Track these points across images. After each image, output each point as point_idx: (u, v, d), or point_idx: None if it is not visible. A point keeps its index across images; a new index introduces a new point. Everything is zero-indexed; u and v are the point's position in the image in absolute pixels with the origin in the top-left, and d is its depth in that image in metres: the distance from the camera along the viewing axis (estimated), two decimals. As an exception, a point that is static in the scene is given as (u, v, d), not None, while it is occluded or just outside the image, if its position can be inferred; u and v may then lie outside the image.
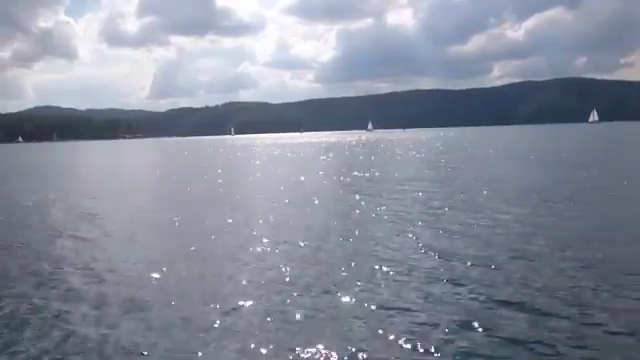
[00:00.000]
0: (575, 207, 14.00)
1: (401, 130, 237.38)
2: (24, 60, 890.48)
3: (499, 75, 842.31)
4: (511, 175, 23.97)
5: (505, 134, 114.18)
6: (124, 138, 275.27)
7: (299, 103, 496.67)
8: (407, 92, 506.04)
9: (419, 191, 18.39)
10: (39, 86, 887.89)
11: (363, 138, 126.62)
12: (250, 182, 26.69)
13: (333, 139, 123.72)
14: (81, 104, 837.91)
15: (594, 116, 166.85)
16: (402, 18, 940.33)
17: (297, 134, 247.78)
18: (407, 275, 8.15)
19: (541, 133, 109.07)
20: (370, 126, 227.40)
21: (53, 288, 8.22)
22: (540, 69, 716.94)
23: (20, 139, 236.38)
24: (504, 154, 42.58)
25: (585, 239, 10.21)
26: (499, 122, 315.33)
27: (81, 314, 7.02)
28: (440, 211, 14.06)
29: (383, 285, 7.74)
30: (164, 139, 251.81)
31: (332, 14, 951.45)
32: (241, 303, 7.17)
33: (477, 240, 10.38)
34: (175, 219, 14.15)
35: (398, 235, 11.18)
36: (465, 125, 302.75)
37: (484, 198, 16.26)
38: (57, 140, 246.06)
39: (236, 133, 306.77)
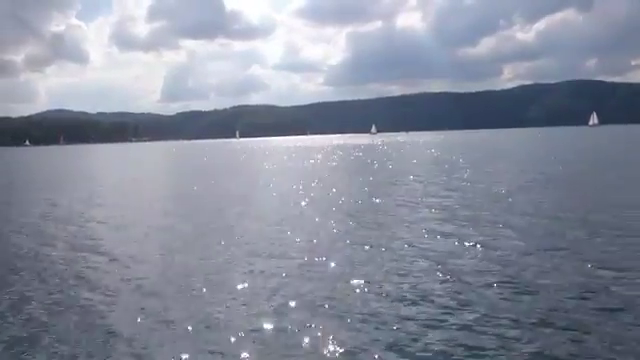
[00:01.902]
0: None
1: (404, 133, 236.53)
2: (36, 64, 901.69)
3: (509, 77, 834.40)
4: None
5: (496, 137, 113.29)
6: (130, 141, 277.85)
7: (307, 106, 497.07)
8: (416, 95, 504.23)
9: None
10: (51, 90, 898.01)
11: (353, 142, 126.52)
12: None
13: (310, 143, 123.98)
14: (92, 107, 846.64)
15: (594, 119, 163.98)
16: (411, 21, 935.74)
17: (302, 137, 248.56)
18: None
19: (532, 136, 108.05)
20: (373, 129, 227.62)
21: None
22: (550, 71, 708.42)
23: (27, 142, 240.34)
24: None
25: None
26: (509, 125, 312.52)
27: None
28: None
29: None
30: (170, 142, 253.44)
31: (341, 17, 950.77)
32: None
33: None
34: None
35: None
36: (474, 128, 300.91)
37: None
38: (64, 143, 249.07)
39: (244, 136, 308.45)
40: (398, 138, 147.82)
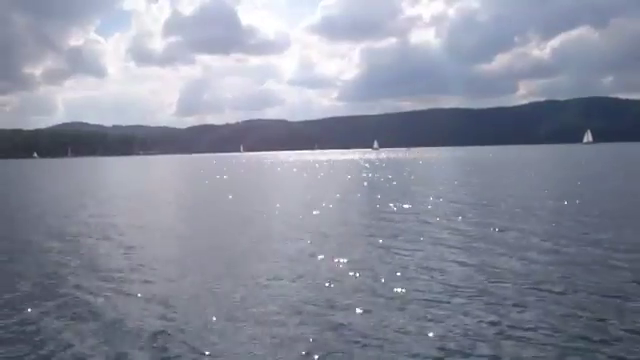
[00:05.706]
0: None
1: (404, 149, 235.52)
2: (55, 78, 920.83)
3: (524, 94, 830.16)
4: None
5: (491, 153, 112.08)
6: (138, 154, 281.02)
7: (317, 121, 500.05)
8: (426, 111, 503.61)
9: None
10: (69, 103, 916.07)
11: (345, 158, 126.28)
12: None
13: (287, 158, 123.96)
14: (109, 120, 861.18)
15: (588, 137, 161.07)
16: (426, 37, 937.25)
17: (305, 152, 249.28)
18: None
19: (522, 154, 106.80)
20: (376, 145, 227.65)
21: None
22: (565, 88, 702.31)
23: (35, 155, 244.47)
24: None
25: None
26: (518, 141, 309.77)
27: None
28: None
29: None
30: (178, 156, 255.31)
31: (355, 33, 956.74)
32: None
33: None
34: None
35: None
36: (484, 144, 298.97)
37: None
38: (72, 156, 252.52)
39: (252, 150, 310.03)
40: (390, 154, 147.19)
